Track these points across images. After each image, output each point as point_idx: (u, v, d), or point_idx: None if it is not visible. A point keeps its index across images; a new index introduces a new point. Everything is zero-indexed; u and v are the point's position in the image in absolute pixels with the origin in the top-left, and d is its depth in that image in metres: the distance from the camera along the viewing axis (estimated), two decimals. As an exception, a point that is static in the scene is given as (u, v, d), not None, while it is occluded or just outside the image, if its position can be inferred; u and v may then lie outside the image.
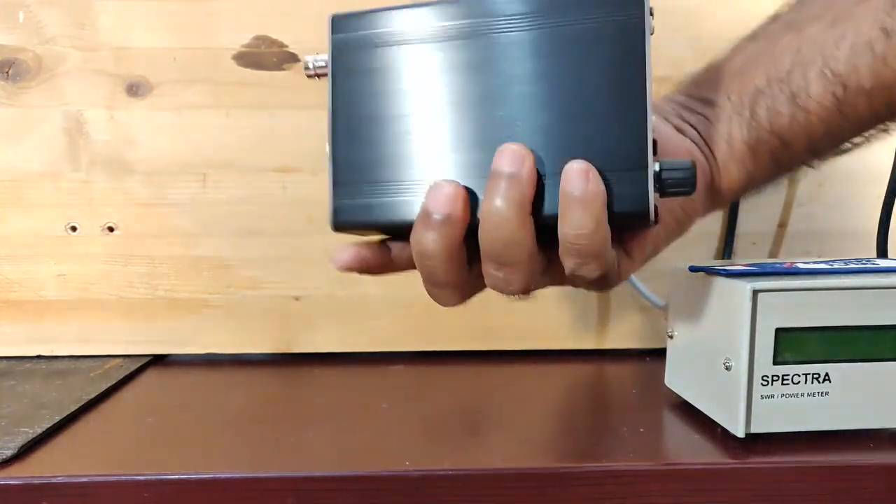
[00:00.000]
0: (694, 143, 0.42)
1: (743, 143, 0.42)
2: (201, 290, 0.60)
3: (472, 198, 0.36)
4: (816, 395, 0.42)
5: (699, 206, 0.43)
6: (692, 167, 0.35)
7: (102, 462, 0.42)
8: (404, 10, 0.37)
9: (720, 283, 0.44)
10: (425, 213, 0.35)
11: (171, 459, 0.42)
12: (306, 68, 0.39)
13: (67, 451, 0.43)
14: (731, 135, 0.42)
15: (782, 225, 0.62)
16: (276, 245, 0.60)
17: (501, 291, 0.37)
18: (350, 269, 0.39)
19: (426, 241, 0.35)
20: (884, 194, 0.57)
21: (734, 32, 0.56)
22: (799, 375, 0.42)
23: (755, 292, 0.41)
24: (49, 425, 0.45)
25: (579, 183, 0.34)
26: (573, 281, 0.39)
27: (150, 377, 0.58)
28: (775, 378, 0.42)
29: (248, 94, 0.59)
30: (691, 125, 0.43)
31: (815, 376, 0.42)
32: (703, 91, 0.44)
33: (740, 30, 0.55)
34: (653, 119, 0.35)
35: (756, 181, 0.44)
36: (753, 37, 0.44)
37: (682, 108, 0.44)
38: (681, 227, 0.43)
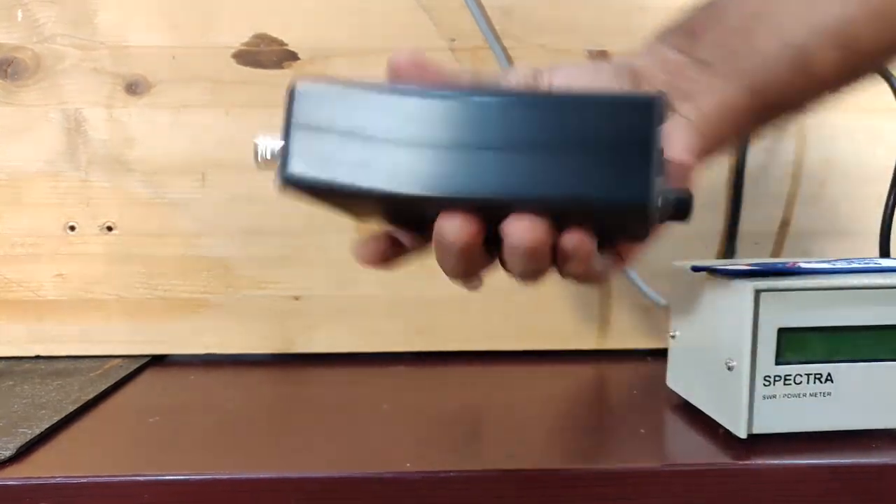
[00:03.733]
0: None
1: (724, 112, 0.36)
2: (201, 290, 0.60)
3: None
4: (818, 395, 0.42)
5: None
6: (690, 197, 0.33)
7: (102, 462, 0.42)
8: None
9: (722, 282, 0.43)
10: (440, 242, 0.33)
11: (171, 459, 0.42)
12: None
13: (67, 452, 0.43)
14: (720, 102, 0.36)
15: (784, 224, 0.62)
16: (276, 245, 0.60)
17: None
18: (373, 264, 0.37)
19: (446, 261, 0.34)
20: (886, 194, 0.57)
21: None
22: (801, 375, 0.42)
23: (757, 292, 0.41)
24: (48, 425, 0.45)
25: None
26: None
27: (150, 377, 0.57)
28: (777, 378, 0.42)
29: (248, 92, 0.59)
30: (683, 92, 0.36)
31: (818, 376, 0.42)
32: (697, 50, 0.37)
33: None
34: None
35: (713, 151, 0.38)
36: None
37: (674, 67, 0.37)
38: None
